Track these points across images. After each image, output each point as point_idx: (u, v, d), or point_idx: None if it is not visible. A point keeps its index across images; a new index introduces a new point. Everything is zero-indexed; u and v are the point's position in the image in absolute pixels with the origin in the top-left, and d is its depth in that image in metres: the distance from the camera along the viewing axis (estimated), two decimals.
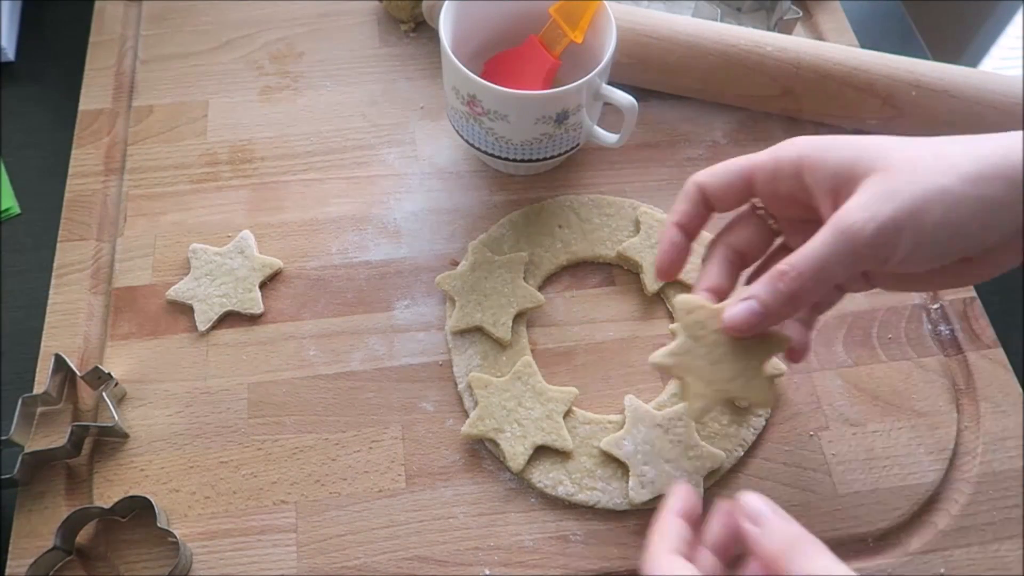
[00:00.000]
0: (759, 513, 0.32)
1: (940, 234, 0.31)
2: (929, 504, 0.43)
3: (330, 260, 0.50)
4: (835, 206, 0.33)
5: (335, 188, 0.53)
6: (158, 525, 0.40)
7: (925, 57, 0.56)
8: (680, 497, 0.36)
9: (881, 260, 0.32)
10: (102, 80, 0.57)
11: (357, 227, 0.51)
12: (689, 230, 0.39)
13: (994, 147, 0.32)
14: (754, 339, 0.36)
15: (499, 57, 0.52)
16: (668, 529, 0.34)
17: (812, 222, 0.34)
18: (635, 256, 0.49)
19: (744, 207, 0.39)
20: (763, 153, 0.37)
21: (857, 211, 0.32)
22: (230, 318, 0.48)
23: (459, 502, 0.43)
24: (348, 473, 0.43)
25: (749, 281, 0.40)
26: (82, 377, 0.44)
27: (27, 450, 0.41)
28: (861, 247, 0.32)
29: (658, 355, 0.37)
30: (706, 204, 0.38)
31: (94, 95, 0.56)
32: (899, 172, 0.32)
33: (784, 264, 0.33)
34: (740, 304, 0.35)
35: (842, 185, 0.33)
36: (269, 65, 0.58)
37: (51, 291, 0.48)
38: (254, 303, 0.47)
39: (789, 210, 0.38)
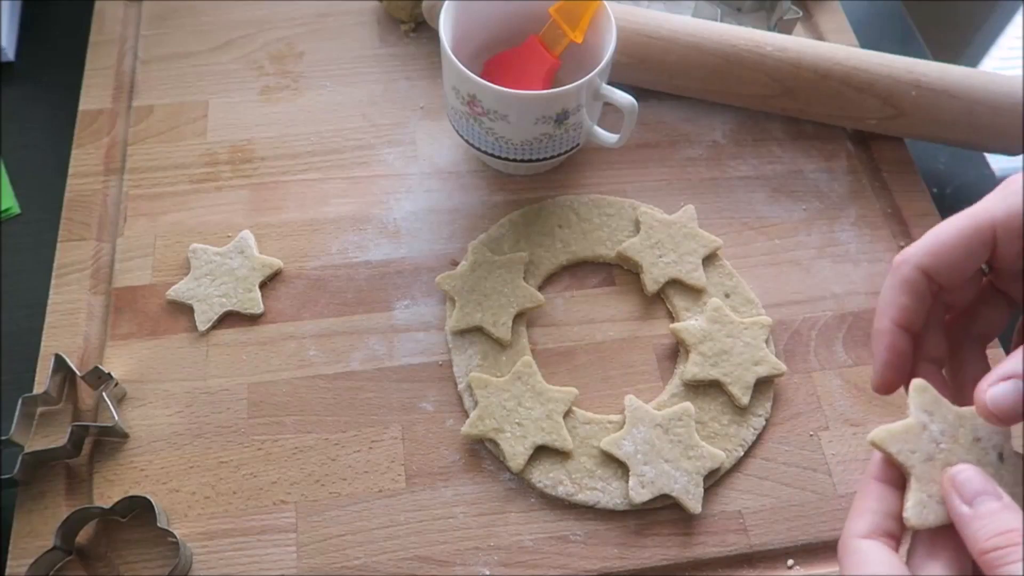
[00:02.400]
0: (975, 491, 0.27)
1: None
2: None
3: (330, 260, 0.50)
4: None
5: (335, 188, 0.53)
6: (158, 525, 0.40)
7: (925, 57, 0.56)
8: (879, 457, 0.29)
9: None
10: (102, 80, 0.57)
11: (357, 227, 0.51)
12: (915, 329, 0.31)
13: None
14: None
15: (499, 57, 0.52)
16: (863, 504, 0.29)
17: None
18: (635, 256, 0.49)
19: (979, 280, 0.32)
20: (993, 202, 0.29)
21: None
22: (230, 318, 0.48)
23: (459, 502, 0.43)
24: (348, 473, 0.43)
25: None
26: (82, 377, 0.44)
27: (27, 450, 0.41)
28: None
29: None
30: (933, 291, 0.30)
31: (94, 95, 0.56)
32: None
33: None
34: (1005, 384, 0.28)
35: None
36: (269, 65, 0.58)
37: (51, 291, 0.48)
38: (254, 303, 0.47)
39: None
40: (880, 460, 0.30)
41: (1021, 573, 0.24)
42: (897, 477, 0.29)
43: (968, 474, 0.27)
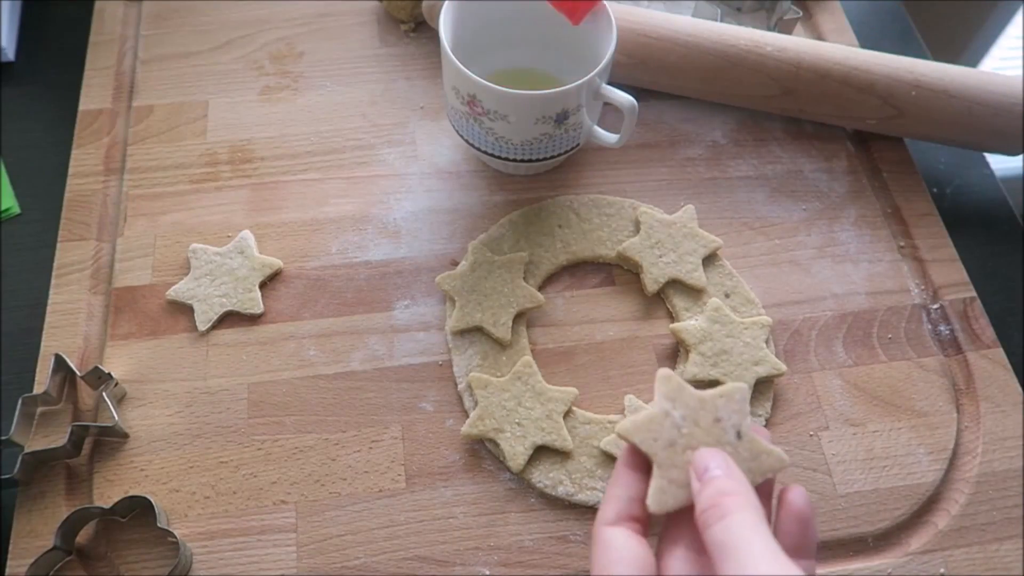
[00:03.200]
0: (704, 466, 0.29)
1: None
2: (929, 504, 0.43)
3: (330, 260, 0.50)
4: None
5: (335, 188, 0.53)
6: (158, 525, 0.40)
7: (925, 57, 0.56)
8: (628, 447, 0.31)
9: None
10: (102, 80, 0.57)
11: (357, 227, 0.51)
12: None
13: None
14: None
15: None
16: (611, 491, 0.31)
17: None
18: (635, 256, 0.49)
19: None
20: None
21: None
22: (230, 318, 0.48)
23: (459, 502, 0.43)
24: (348, 473, 0.43)
25: None
26: (82, 377, 0.44)
27: (27, 450, 0.41)
28: None
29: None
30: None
31: (94, 95, 0.56)
32: None
33: None
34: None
35: None
36: (269, 65, 0.58)
37: (51, 291, 0.48)
38: (254, 303, 0.47)
39: None
40: (629, 447, 0.31)
41: (730, 528, 0.26)
42: (645, 463, 0.31)
43: (702, 453, 0.29)
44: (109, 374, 0.43)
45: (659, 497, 0.30)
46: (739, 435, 0.30)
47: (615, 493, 0.30)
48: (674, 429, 0.30)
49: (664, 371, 0.32)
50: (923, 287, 0.50)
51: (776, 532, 0.29)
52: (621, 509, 0.30)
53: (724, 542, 0.26)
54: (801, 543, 0.29)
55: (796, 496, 0.30)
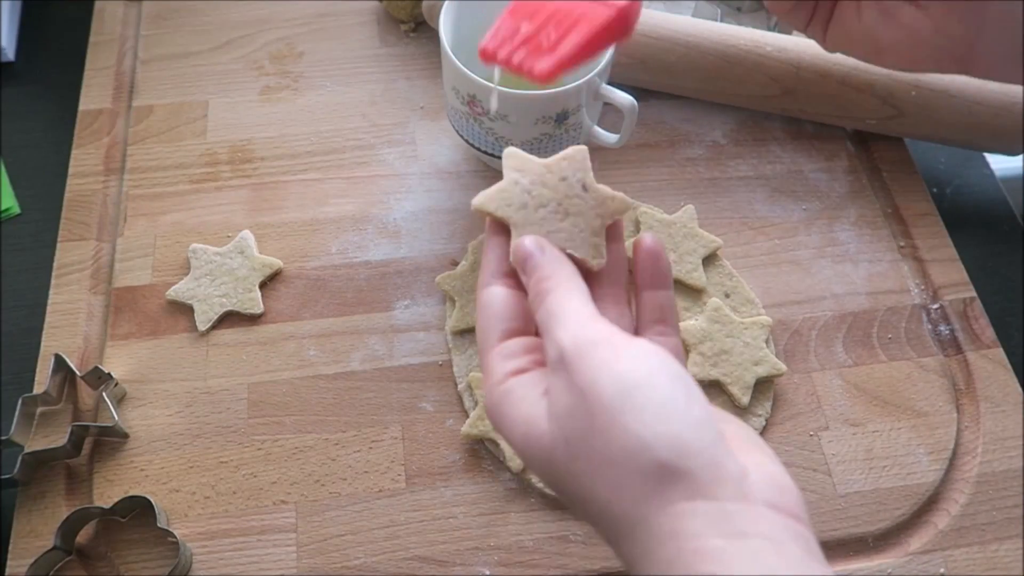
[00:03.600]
0: (524, 257, 0.31)
1: None
2: (929, 504, 0.43)
3: (330, 260, 0.50)
4: None
5: (335, 188, 0.53)
6: (158, 525, 0.40)
7: None
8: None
9: None
10: (102, 80, 0.57)
11: (357, 227, 0.51)
12: None
13: None
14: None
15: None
16: (484, 257, 0.33)
17: None
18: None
19: None
20: None
21: None
22: (230, 318, 0.48)
23: (459, 502, 0.43)
24: (348, 473, 0.43)
25: None
26: (82, 377, 0.44)
27: (27, 450, 0.41)
28: None
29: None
30: None
31: (94, 95, 0.56)
32: None
33: None
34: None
35: None
36: (269, 65, 0.58)
37: (51, 291, 0.48)
38: (254, 303, 0.47)
39: None
40: (490, 220, 0.33)
41: (549, 307, 0.29)
42: (506, 228, 0.33)
43: (518, 244, 0.31)
44: (109, 374, 0.43)
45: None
46: (584, 187, 0.33)
47: (486, 258, 0.32)
48: (524, 193, 0.32)
49: (510, 149, 0.34)
50: (923, 287, 0.50)
51: (635, 270, 0.33)
52: (494, 269, 0.32)
53: (545, 321, 0.29)
54: (655, 273, 0.33)
55: (645, 237, 0.33)
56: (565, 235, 0.32)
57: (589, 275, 0.32)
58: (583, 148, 0.33)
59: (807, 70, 0.53)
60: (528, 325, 0.31)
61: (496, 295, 0.31)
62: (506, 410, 0.28)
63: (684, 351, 0.46)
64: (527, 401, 0.28)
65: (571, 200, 0.32)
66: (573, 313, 0.28)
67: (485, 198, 0.32)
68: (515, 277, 0.32)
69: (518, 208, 0.32)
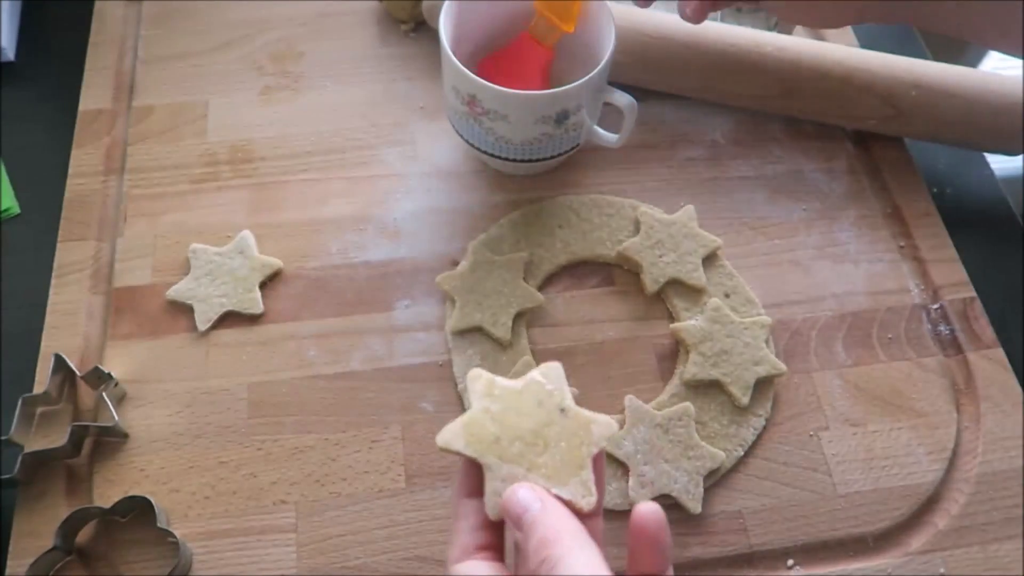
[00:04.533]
0: (519, 511, 0.27)
1: None
2: (929, 504, 0.43)
3: (330, 260, 0.50)
4: None
5: (335, 188, 0.53)
6: (158, 525, 0.40)
7: (925, 57, 0.56)
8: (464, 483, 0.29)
9: None
10: (102, 80, 0.57)
11: (357, 227, 0.51)
12: None
13: None
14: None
15: (492, 57, 0.51)
16: (455, 527, 0.29)
17: None
18: (635, 256, 0.49)
19: None
20: None
21: None
22: (230, 318, 0.48)
23: None
24: (348, 473, 0.43)
25: None
26: (82, 377, 0.44)
27: (27, 450, 0.41)
28: None
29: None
30: None
31: (94, 95, 0.56)
32: None
33: None
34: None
35: None
36: (269, 65, 0.58)
37: (51, 291, 0.48)
38: (254, 303, 0.47)
39: None
40: (462, 472, 0.29)
41: (566, 572, 0.25)
42: (478, 483, 0.29)
43: (511, 494, 0.27)
44: (109, 374, 0.43)
45: (495, 500, 0.28)
46: (563, 411, 0.29)
47: (458, 527, 0.28)
48: (495, 424, 0.29)
49: (473, 371, 0.30)
50: (923, 287, 0.50)
51: (628, 546, 0.28)
52: (466, 543, 0.28)
53: None
54: (652, 556, 0.27)
55: (642, 511, 0.27)
56: (547, 471, 0.28)
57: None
58: (557, 365, 0.30)
59: (807, 70, 0.53)
60: None
61: (472, 570, 0.27)
62: None
63: (684, 351, 0.46)
64: None
65: (549, 428, 0.29)
66: None
67: (451, 435, 0.29)
68: (494, 548, 0.28)
69: (489, 444, 0.28)
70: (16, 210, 0.53)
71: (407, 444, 0.44)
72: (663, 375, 0.47)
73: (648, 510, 0.27)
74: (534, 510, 0.26)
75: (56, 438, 0.43)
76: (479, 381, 0.30)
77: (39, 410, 0.44)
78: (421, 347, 0.47)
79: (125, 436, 0.44)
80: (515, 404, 0.29)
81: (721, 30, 0.54)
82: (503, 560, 0.28)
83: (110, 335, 0.47)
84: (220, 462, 0.43)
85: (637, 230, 0.50)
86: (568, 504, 0.28)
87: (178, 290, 0.48)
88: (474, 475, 0.29)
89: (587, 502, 0.28)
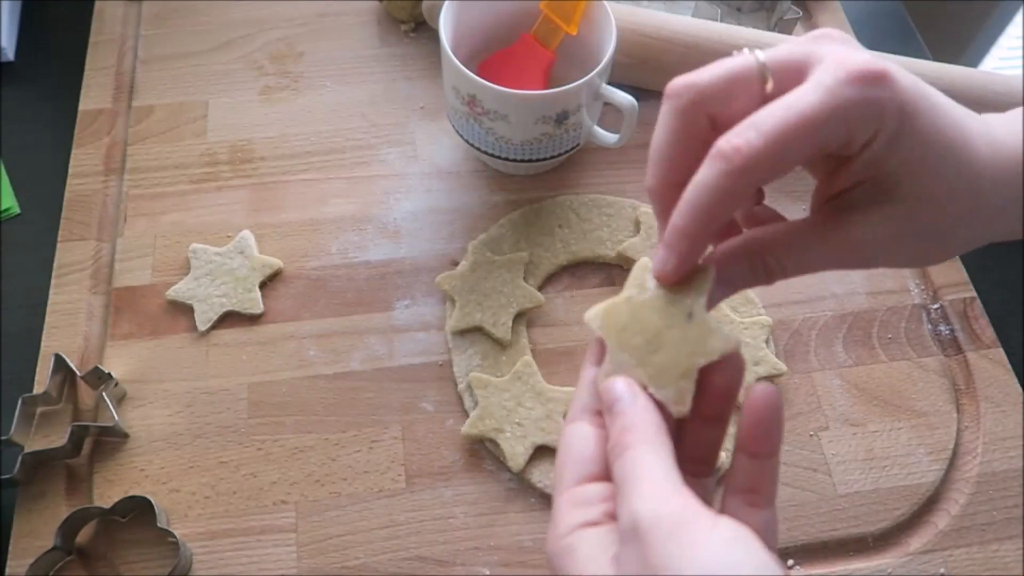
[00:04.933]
0: (613, 399, 0.28)
1: None
2: (929, 504, 0.43)
3: (330, 260, 0.50)
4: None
5: (335, 188, 0.53)
6: (158, 525, 0.40)
7: (925, 57, 0.56)
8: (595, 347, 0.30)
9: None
10: (102, 80, 0.57)
11: (357, 227, 0.51)
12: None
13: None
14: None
15: (494, 58, 0.51)
16: (575, 393, 0.30)
17: None
18: (635, 256, 0.49)
19: None
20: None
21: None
22: (230, 318, 0.48)
23: (459, 502, 0.43)
24: (348, 473, 0.43)
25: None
26: (82, 377, 0.44)
27: (27, 450, 0.41)
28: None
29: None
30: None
31: (94, 95, 0.56)
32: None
33: (779, 257, 0.30)
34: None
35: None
36: (269, 65, 0.58)
37: (51, 291, 0.48)
38: (254, 303, 0.47)
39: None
40: (595, 343, 0.30)
41: (624, 465, 0.26)
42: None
43: (608, 386, 0.28)
44: (109, 374, 0.43)
45: (605, 373, 0.29)
46: (690, 316, 0.29)
47: (577, 391, 0.30)
48: (629, 314, 0.29)
49: (642, 260, 0.30)
50: (923, 287, 0.50)
51: (740, 425, 0.28)
52: (583, 404, 0.29)
53: (620, 478, 0.26)
54: (765, 439, 0.27)
55: (758, 390, 0.27)
56: (653, 371, 0.28)
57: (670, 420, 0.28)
58: (711, 270, 0.29)
59: None
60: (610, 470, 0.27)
61: (579, 434, 0.28)
62: (568, 566, 0.26)
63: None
64: (594, 563, 0.25)
65: (670, 331, 0.29)
66: (652, 481, 0.25)
67: (594, 313, 0.30)
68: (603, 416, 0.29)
69: (618, 331, 0.29)
70: (16, 210, 0.53)
71: (407, 444, 0.44)
72: None
73: (765, 391, 0.27)
74: (625, 401, 0.27)
75: (56, 438, 0.43)
76: (640, 271, 0.30)
77: (39, 410, 0.44)
78: (421, 347, 0.47)
79: (125, 436, 0.44)
80: (654, 301, 0.29)
81: (721, 30, 0.54)
82: None
83: (110, 335, 0.47)
84: (220, 462, 0.43)
85: (637, 230, 0.50)
86: (660, 406, 0.28)
87: (178, 290, 0.48)
88: (603, 350, 0.30)
89: (677, 410, 0.28)
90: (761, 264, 0.30)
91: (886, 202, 0.29)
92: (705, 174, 0.26)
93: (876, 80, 0.25)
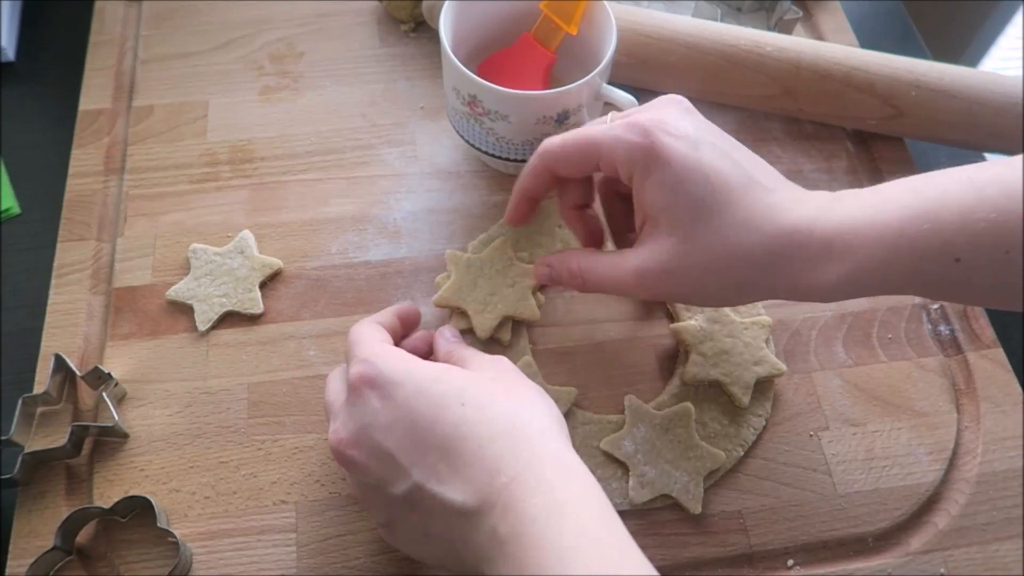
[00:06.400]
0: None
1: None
2: (929, 504, 0.43)
3: (330, 260, 0.50)
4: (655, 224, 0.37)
5: (335, 188, 0.53)
6: (158, 525, 0.40)
7: (925, 57, 0.56)
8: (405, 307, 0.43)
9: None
10: (102, 80, 0.57)
11: (357, 227, 0.51)
12: (539, 196, 0.44)
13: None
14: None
15: (493, 58, 0.51)
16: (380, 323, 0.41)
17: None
18: None
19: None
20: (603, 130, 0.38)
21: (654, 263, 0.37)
22: (230, 318, 0.48)
23: None
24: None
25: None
26: (82, 377, 0.44)
27: (27, 450, 0.41)
28: (646, 294, 0.38)
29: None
30: (554, 179, 0.42)
31: (94, 95, 0.56)
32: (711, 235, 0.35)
33: (582, 269, 0.40)
34: (539, 268, 0.44)
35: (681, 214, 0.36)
36: (269, 65, 0.58)
37: (51, 291, 0.48)
38: (254, 303, 0.47)
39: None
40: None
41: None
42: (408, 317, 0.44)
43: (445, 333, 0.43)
44: (109, 374, 0.43)
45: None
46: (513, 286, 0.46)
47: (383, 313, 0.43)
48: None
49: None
50: None
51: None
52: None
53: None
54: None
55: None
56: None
57: None
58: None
59: (807, 70, 0.53)
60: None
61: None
62: (356, 348, 0.38)
63: (684, 352, 0.46)
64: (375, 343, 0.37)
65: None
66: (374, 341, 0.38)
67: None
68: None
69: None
70: (16, 210, 0.53)
71: None
72: (663, 375, 0.47)
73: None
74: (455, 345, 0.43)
75: (56, 438, 0.43)
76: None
77: (39, 410, 0.44)
78: None
79: (125, 436, 0.44)
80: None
81: (721, 30, 0.54)
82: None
83: (110, 335, 0.47)
84: (220, 462, 0.43)
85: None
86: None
87: (178, 290, 0.48)
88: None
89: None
90: (573, 273, 0.41)
91: (657, 237, 0.36)
92: (530, 160, 0.41)
93: (642, 132, 0.36)
